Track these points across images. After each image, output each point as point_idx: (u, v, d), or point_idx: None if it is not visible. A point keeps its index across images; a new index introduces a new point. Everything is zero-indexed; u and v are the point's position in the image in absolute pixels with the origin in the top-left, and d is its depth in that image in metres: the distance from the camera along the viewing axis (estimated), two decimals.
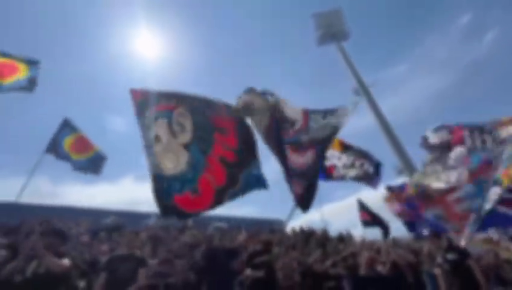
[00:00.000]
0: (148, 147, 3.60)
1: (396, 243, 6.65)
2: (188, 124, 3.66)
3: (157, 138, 3.58)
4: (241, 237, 4.92)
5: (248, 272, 3.37)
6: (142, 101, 3.67)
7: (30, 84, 6.04)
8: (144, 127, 3.59)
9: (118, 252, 3.19)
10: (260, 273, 3.35)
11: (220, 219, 10.23)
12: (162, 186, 3.72)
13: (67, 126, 6.96)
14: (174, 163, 3.72)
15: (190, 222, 8.60)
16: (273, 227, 9.94)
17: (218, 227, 4.05)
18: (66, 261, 2.62)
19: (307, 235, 8.59)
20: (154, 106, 3.60)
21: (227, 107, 3.82)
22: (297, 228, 9.78)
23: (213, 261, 3.37)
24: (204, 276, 3.46)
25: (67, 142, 6.90)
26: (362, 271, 3.98)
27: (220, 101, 3.86)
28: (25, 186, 4.66)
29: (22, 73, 5.98)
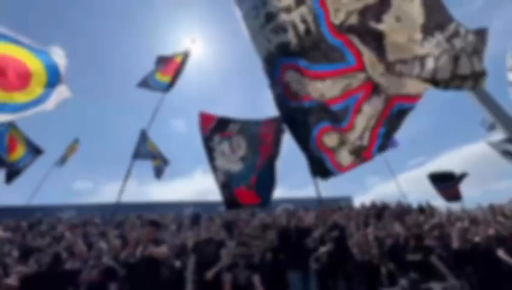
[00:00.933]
0: (212, 160, 4.65)
1: (496, 210, 5.65)
2: (243, 144, 4.66)
3: (222, 153, 4.61)
4: (310, 216, 4.93)
5: (323, 248, 3.37)
6: (210, 126, 4.76)
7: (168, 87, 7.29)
8: (209, 147, 4.69)
9: (200, 237, 3.58)
10: (333, 249, 3.31)
11: (287, 201, 10.43)
12: (226, 182, 4.53)
13: (144, 136, 7.87)
14: (234, 167, 4.59)
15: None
16: (340, 204, 9.66)
17: (286, 209, 4.15)
18: (164, 249, 3.12)
19: (379, 210, 8.06)
20: (220, 132, 4.71)
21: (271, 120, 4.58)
22: (367, 203, 9.30)
23: (286, 240, 3.47)
24: (280, 255, 3.61)
25: (149, 147, 7.91)
26: (455, 244, 3.52)
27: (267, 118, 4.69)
28: (122, 189, 5.69)
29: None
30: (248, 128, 4.77)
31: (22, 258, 3.91)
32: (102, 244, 3.46)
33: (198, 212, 7.55)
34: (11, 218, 6.49)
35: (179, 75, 7.47)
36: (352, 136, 2.98)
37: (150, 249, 3.04)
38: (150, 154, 7.61)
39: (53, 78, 4.05)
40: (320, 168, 3.29)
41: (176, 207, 8.84)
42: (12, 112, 3.58)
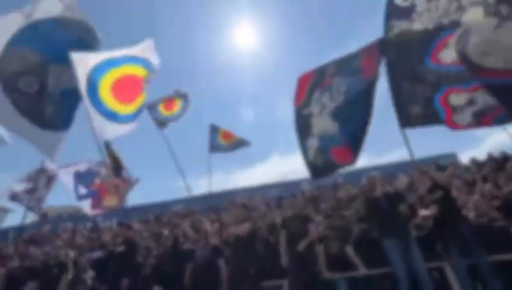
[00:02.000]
0: (306, 130, 4.30)
1: None
2: (343, 86, 4.03)
3: (323, 107, 4.14)
4: (402, 180, 4.42)
5: (424, 212, 2.98)
6: (307, 88, 4.36)
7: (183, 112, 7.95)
8: (302, 117, 4.34)
9: (287, 213, 3.72)
10: (438, 212, 2.88)
11: (373, 169, 9.64)
12: (322, 147, 4.22)
13: (214, 129, 8.54)
14: (331, 128, 4.15)
15: (339, 179, 8.72)
16: (439, 163, 8.21)
17: (372, 177, 3.81)
18: (245, 226, 3.48)
19: (498, 163, 6.47)
20: (319, 86, 4.22)
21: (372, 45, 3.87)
22: (479, 158, 7.57)
23: (377, 208, 3.23)
24: (372, 224, 3.40)
25: (221, 135, 8.65)
26: None
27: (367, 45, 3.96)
28: (210, 181, 6.62)
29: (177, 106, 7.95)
30: (348, 63, 4.13)
31: (154, 243, 5.03)
32: (207, 227, 4.06)
33: (281, 195, 7.89)
34: (140, 214, 8.38)
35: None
36: (482, 98, 2.91)
37: (233, 229, 3.45)
38: (223, 147, 8.28)
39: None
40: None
41: (261, 190, 9.50)
42: (121, 122, 4.53)
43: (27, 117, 3.91)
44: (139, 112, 4.76)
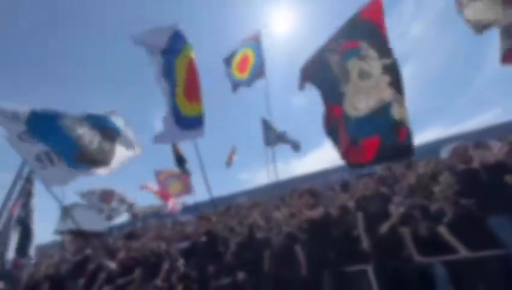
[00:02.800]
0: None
1: None
2: (373, 54, 3.40)
3: (350, 77, 3.61)
4: (501, 149, 3.67)
5: None
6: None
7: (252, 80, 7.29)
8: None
9: (361, 194, 3.52)
10: None
11: (450, 140, 8.41)
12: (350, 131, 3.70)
13: (265, 124, 8.59)
14: (364, 104, 3.57)
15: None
16: None
17: (461, 145, 3.23)
18: (319, 210, 3.42)
19: None
20: (338, 46, 3.66)
21: None
22: None
23: (477, 181, 2.77)
24: (468, 199, 2.94)
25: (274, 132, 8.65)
26: None
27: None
28: (275, 171, 6.80)
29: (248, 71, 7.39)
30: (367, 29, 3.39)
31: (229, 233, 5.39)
32: (278, 215, 4.14)
33: (344, 177, 7.53)
34: (209, 208, 9.09)
35: (259, 67, 7.17)
36: None
37: (307, 214, 3.40)
38: (277, 139, 8.28)
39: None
40: None
41: (321, 176, 9.24)
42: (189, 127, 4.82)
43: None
44: (202, 117, 4.82)
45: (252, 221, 5.16)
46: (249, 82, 7.34)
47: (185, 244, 5.23)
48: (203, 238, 4.31)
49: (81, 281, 4.94)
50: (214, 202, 5.94)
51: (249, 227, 4.06)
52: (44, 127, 4.26)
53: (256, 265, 3.64)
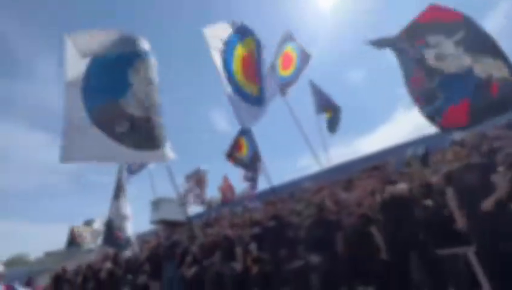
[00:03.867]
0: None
1: None
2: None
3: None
4: None
5: None
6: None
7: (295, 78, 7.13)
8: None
9: (454, 167, 2.93)
10: None
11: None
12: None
13: (315, 88, 7.97)
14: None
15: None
16: None
17: None
18: (403, 185, 3.04)
19: None
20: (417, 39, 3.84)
21: None
22: None
23: None
24: None
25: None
26: None
27: None
28: (328, 156, 6.40)
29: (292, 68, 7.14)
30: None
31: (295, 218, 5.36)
32: (345, 196, 3.88)
33: (426, 151, 6.51)
34: (274, 195, 9.25)
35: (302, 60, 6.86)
36: None
37: (389, 189, 3.04)
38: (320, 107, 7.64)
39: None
40: None
41: (393, 152, 8.22)
42: (246, 101, 4.91)
43: (131, 147, 4.62)
44: (263, 95, 4.92)
45: (319, 202, 5.00)
46: (296, 75, 7.13)
47: (255, 230, 5.45)
48: (272, 223, 4.39)
49: (174, 262, 5.73)
50: (274, 189, 6.01)
51: (318, 207, 3.93)
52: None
53: (329, 247, 3.50)
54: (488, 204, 2.33)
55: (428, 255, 2.67)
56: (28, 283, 10.74)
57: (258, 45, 5.07)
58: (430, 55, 3.68)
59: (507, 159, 3.57)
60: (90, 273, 7.71)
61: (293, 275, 3.65)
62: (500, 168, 3.02)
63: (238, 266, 4.40)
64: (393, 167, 6.46)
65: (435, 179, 3.40)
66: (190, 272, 4.91)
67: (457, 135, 7.54)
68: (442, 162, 4.46)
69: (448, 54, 3.51)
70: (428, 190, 3.45)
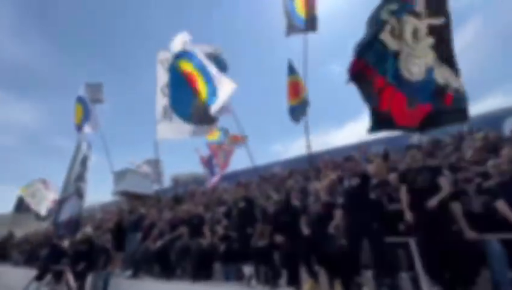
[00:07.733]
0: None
1: None
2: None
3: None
4: None
5: None
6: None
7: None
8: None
9: (411, 166, 3.28)
10: None
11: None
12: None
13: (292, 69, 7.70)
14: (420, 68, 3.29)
15: (466, 128, 7.03)
16: None
17: None
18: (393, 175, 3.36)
19: None
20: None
21: None
22: None
23: None
24: None
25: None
26: None
27: None
28: (309, 142, 6.37)
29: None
30: None
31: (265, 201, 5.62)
32: (315, 185, 4.15)
33: (387, 150, 7.11)
34: (246, 177, 9.46)
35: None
36: None
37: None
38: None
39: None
40: None
41: (360, 148, 8.82)
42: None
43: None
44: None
45: (288, 188, 5.28)
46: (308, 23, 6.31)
47: (223, 209, 5.60)
48: (242, 204, 4.56)
49: (139, 235, 5.70)
50: (250, 171, 6.15)
51: (286, 193, 4.17)
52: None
53: (293, 229, 3.77)
54: (432, 202, 2.70)
55: (378, 242, 3.05)
56: None
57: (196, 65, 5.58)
58: (408, 27, 3.34)
59: (451, 165, 4.10)
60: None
61: (258, 253, 3.89)
62: (446, 172, 3.48)
63: (205, 242, 4.54)
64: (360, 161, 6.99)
65: (391, 177, 3.79)
66: (156, 245, 4.95)
67: (415, 139, 8.29)
68: (400, 162, 4.97)
69: (421, 34, 3.27)
70: (386, 183, 3.85)
